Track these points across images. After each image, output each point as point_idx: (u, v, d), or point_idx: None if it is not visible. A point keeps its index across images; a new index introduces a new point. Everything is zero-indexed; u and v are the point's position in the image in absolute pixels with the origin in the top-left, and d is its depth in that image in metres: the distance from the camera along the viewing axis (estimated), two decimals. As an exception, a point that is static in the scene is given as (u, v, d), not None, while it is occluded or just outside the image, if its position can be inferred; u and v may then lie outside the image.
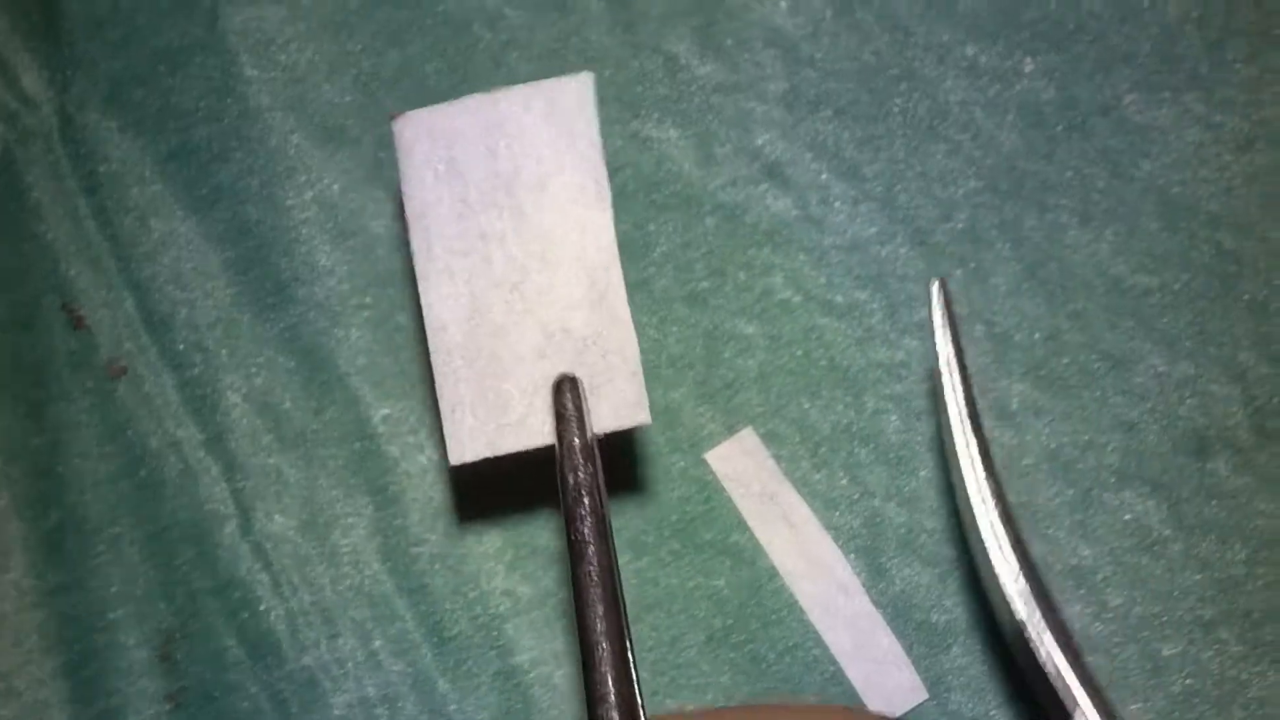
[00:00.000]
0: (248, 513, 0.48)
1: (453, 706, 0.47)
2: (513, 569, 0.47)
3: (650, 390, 0.42)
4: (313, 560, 0.48)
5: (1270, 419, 0.48)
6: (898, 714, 0.46)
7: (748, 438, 0.48)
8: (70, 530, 0.48)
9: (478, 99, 0.39)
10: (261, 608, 0.48)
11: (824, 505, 0.48)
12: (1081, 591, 0.47)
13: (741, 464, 0.48)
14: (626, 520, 0.47)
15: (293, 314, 0.49)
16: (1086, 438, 0.48)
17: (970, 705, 0.46)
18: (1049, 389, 0.48)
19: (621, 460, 0.48)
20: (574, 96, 0.38)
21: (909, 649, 0.47)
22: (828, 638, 0.47)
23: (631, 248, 0.49)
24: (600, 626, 0.35)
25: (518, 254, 0.38)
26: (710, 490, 0.48)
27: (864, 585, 0.47)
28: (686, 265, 0.49)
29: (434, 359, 0.38)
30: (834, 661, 0.47)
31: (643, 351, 0.41)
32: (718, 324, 0.49)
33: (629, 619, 0.36)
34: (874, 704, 0.46)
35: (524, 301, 0.38)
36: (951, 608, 0.47)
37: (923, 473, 0.48)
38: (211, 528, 0.48)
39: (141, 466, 0.49)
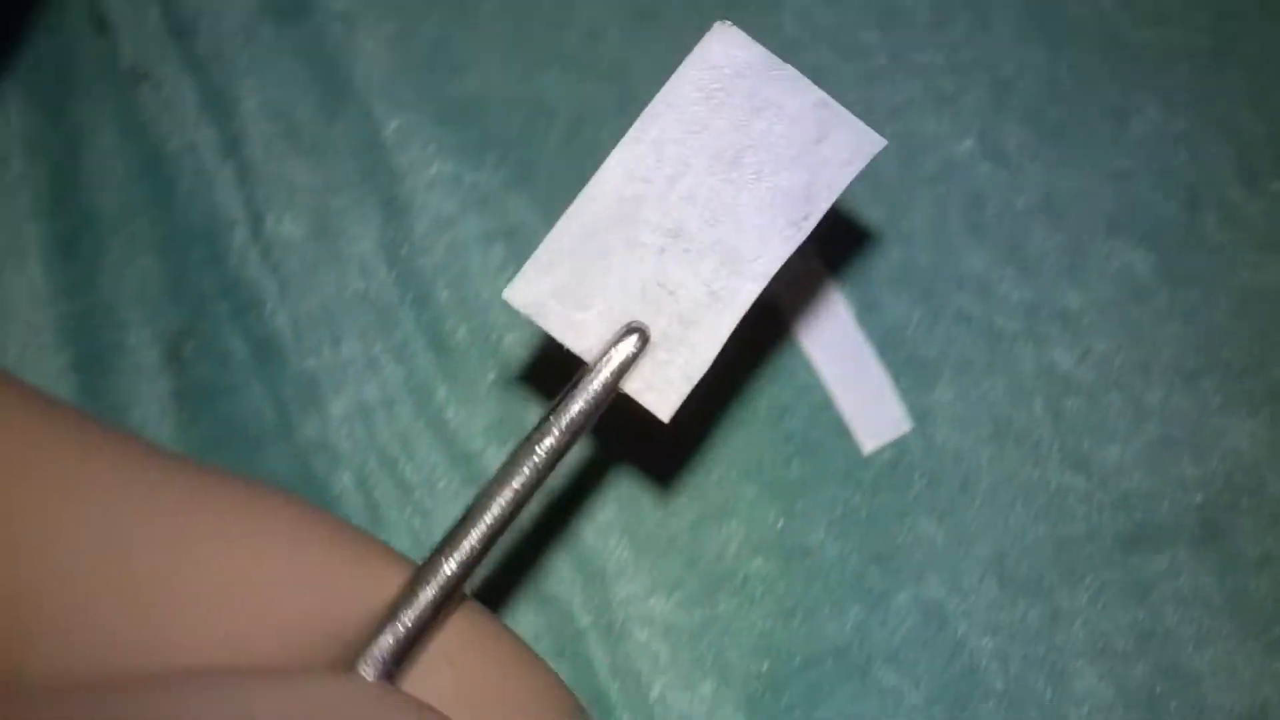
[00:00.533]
0: (259, 218, 0.38)
1: (449, 412, 0.37)
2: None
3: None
4: (320, 266, 0.38)
5: (1261, 176, 0.38)
6: (883, 443, 0.37)
7: (750, 169, 0.38)
8: (86, 230, 0.39)
9: (790, 75, 0.29)
10: (268, 311, 0.38)
11: (820, 237, 0.38)
12: (1068, 335, 0.37)
13: (743, 194, 0.38)
14: (628, 243, 0.38)
15: (313, 24, 0.39)
16: (1080, 185, 0.38)
17: (954, 438, 0.37)
18: (1046, 135, 0.39)
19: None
20: (855, 146, 0.29)
21: (896, 382, 0.37)
22: (818, 366, 0.37)
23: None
24: (495, 509, 0.27)
25: (697, 207, 0.29)
26: (711, 218, 0.38)
27: (855, 316, 0.37)
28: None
29: (571, 209, 0.29)
30: (823, 390, 0.37)
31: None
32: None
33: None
34: (861, 434, 0.37)
35: (667, 242, 0.29)
36: (941, 343, 0.37)
37: (919, 212, 0.38)
38: (223, 231, 0.38)
39: (158, 169, 0.39)
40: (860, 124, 0.29)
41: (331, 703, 0.25)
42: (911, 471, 0.38)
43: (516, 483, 0.28)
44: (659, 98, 0.29)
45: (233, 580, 0.26)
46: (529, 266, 0.29)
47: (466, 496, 0.37)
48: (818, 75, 0.35)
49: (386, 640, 0.27)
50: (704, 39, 0.29)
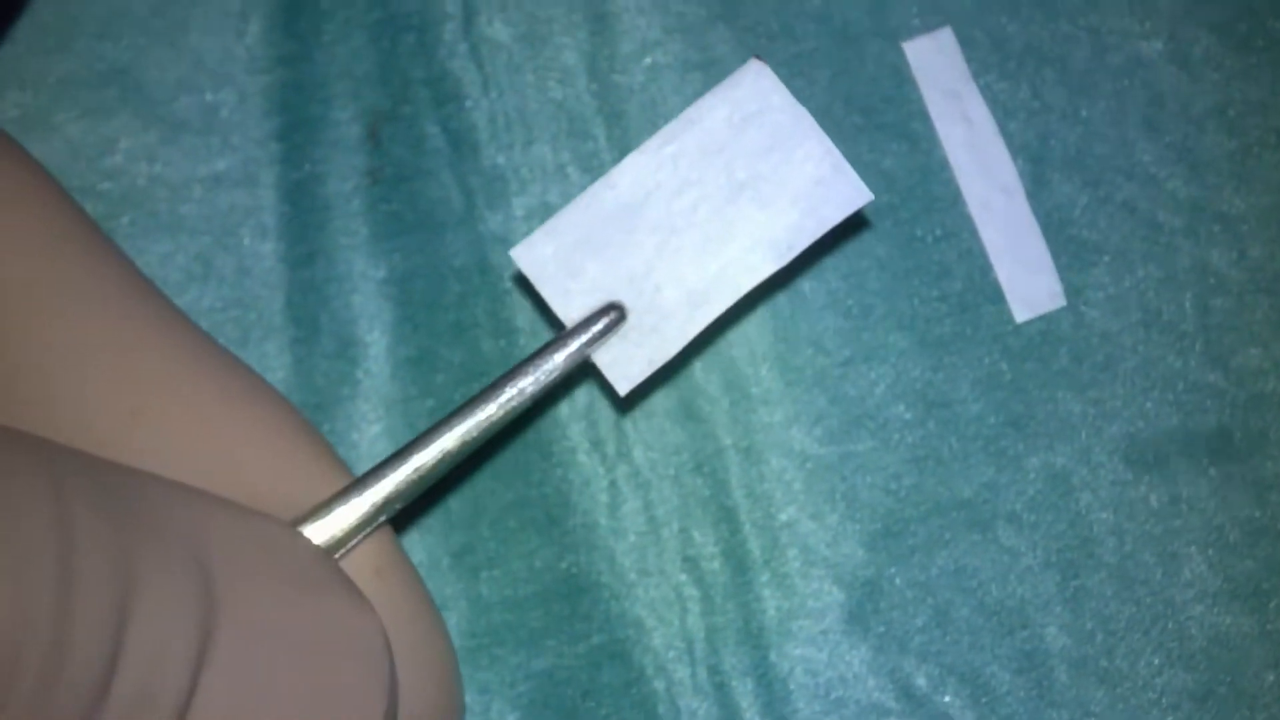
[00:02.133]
0: (472, 15, 0.38)
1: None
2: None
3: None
4: (524, 69, 0.38)
5: None
6: (1035, 315, 0.36)
7: (945, 36, 0.38)
8: (307, 5, 0.39)
9: (807, 121, 0.31)
10: (468, 104, 0.38)
11: (1003, 113, 0.38)
12: (1226, 237, 0.37)
13: (935, 60, 0.38)
14: (818, 89, 0.37)
15: None
16: (1258, 97, 0.38)
17: (1103, 320, 0.37)
18: (1232, 47, 0.38)
19: (826, 43, 0.38)
20: (848, 196, 0.31)
21: (1056, 258, 0.37)
22: (983, 233, 0.37)
23: None
24: (438, 446, 0.29)
25: (697, 218, 0.31)
26: (901, 79, 0.38)
27: (1025, 192, 0.37)
28: None
29: (587, 192, 0.31)
30: (985, 256, 0.37)
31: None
32: (938, -73, 0.38)
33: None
34: (1015, 303, 0.37)
35: (663, 241, 0.31)
36: (1104, 228, 0.37)
37: (1102, 102, 0.37)
38: (436, 23, 0.38)
39: (381, -43, 0.38)
40: (856, 177, 0.31)
41: (279, 540, 0.26)
42: (1059, 345, 0.37)
43: (465, 425, 0.29)
44: (685, 115, 0.31)
45: (207, 436, 0.27)
46: (539, 233, 0.31)
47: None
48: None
49: (318, 529, 0.28)
50: (737, 73, 0.31)
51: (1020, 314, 0.37)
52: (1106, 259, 0.37)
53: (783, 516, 0.36)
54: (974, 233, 0.37)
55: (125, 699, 0.20)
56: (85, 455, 0.23)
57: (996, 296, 0.37)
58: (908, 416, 0.37)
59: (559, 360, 0.30)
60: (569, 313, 0.31)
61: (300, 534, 0.27)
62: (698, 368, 0.37)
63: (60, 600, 0.19)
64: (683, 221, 0.31)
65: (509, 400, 0.30)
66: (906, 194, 0.38)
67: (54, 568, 0.19)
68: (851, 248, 0.37)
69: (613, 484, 0.37)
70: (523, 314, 0.37)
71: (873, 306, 0.37)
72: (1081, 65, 0.38)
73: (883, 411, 0.37)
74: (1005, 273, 0.37)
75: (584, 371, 0.35)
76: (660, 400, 0.37)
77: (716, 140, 0.31)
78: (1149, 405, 0.37)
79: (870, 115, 0.38)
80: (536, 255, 0.31)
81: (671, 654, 0.36)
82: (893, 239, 0.37)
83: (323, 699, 0.24)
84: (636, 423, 0.37)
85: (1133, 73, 0.38)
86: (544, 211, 0.37)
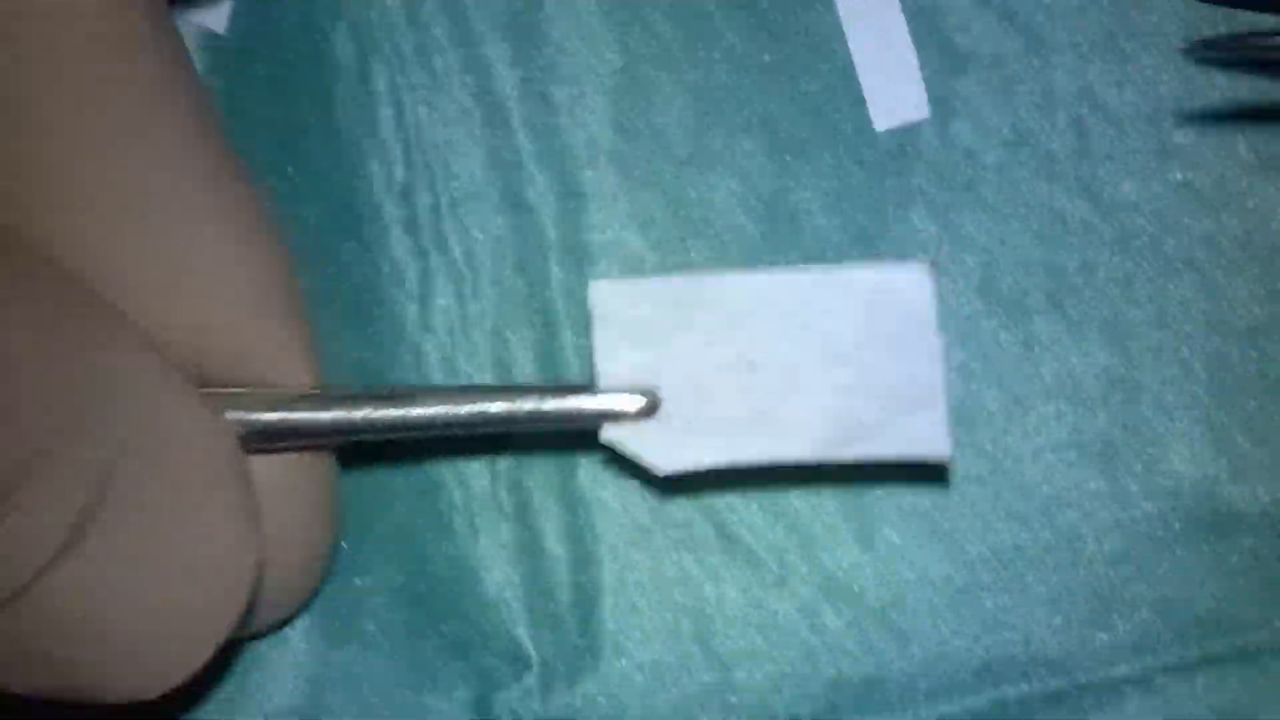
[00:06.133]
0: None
1: None
2: None
3: None
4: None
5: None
6: (896, 125, 0.31)
7: None
8: None
9: (935, 348, 0.27)
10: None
11: (883, -98, 0.32)
12: (1112, 60, 0.33)
13: None
14: None
15: None
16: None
17: (969, 136, 0.31)
18: None
19: None
20: (926, 439, 0.27)
21: (923, 63, 0.31)
22: (848, 31, 0.31)
23: None
24: (424, 411, 0.26)
25: (778, 364, 0.27)
26: None
27: (899, -10, 0.31)
28: None
29: (703, 275, 0.27)
30: (848, 56, 0.31)
31: None
32: None
33: None
34: (876, 110, 0.32)
35: (739, 364, 0.27)
36: (979, 34, 0.32)
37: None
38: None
39: None
40: (945, 430, 0.26)
41: (195, 428, 0.23)
42: (918, 160, 0.32)
43: (458, 408, 0.26)
44: (835, 270, 0.26)
45: (184, 251, 0.24)
46: (632, 283, 0.27)
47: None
48: None
49: (262, 419, 0.24)
50: (905, 265, 0.26)
51: (881, 122, 0.32)
52: (978, 68, 0.32)
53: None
54: (838, 28, 0.32)
55: None
56: (40, 273, 0.21)
57: (858, 101, 0.32)
58: (748, 227, 0.32)
59: (559, 414, 0.26)
60: (606, 370, 0.26)
61: (224, 423, 0.24)
62: (528, 156, 0.32)
63: None
64: (767, 361, 0.26)
65: (507, 416, 0.26)
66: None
67: None
68: (701, 36, 0.32)
69: (425, 273, 0.31)
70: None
71: (721, 102, 0.32)
72: None
73: (723, 218, 0.32)
74: (870, 83, 0.32)
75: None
76: (486, 188, 0.32)
77: (840, 309, 0.26)
78: (1009, 234, 0.32)
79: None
80: (615, 303, 0.26)
81: (474, 466, 0.31)
82: (748, 29, 0.32)
83: (165, 617, 0.22)
84: (456, 209, 0.32)
85: None
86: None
